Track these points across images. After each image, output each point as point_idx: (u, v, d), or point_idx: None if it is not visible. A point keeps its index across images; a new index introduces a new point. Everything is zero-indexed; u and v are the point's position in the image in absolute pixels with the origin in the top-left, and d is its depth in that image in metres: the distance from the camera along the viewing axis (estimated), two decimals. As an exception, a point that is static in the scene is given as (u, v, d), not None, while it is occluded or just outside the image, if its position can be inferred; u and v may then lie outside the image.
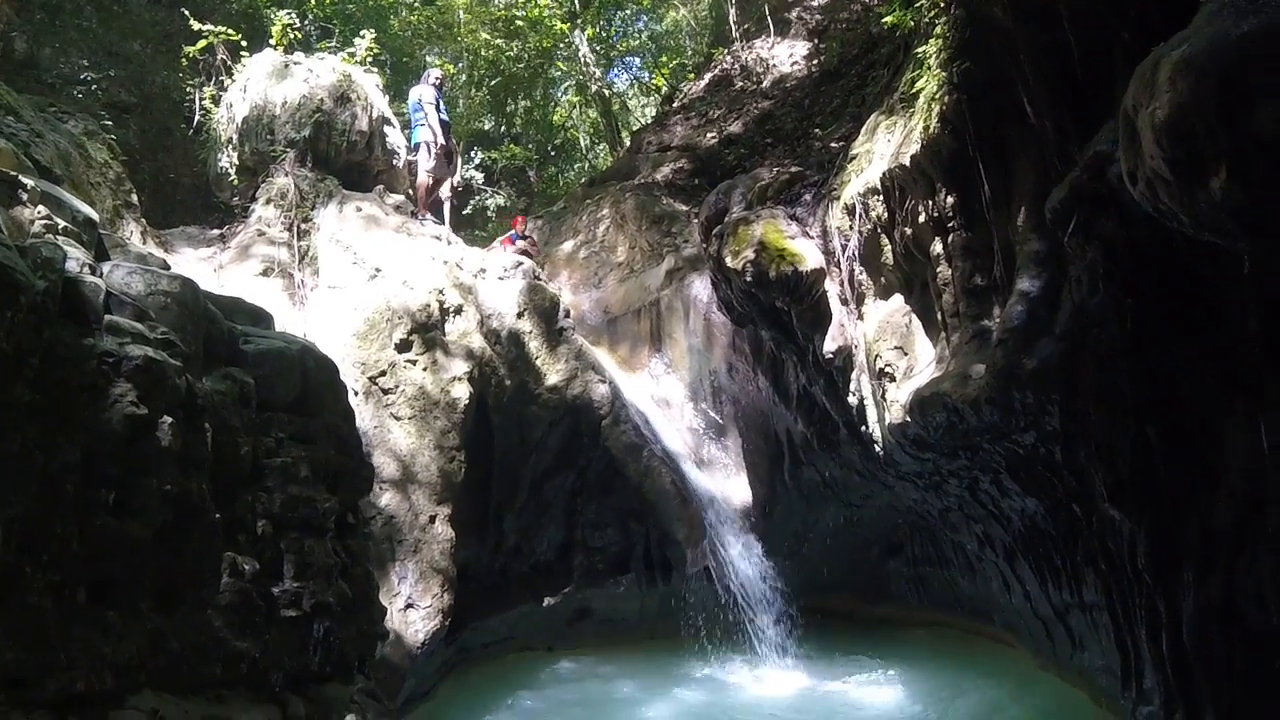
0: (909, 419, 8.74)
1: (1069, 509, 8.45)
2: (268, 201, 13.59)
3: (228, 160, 14.98)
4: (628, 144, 23.87)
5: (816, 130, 16.18)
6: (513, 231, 14.66)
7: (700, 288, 14.34)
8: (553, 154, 30.07)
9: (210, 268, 12.64)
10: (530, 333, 13.10)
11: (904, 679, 11.50)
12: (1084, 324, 7.33)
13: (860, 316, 9.76)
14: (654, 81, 29.47)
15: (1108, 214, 6.83)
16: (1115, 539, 7.95)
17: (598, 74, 27.00)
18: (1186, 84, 4.72)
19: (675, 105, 23.04)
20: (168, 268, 5.68)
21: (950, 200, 8.72)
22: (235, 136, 14.79)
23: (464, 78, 26.28)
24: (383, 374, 11.14)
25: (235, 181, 14.94)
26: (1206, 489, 7.12)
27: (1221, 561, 7.15)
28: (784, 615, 13.21)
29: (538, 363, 13.03)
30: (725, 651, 13.04)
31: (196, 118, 16.59)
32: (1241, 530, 7.00)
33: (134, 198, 12.05)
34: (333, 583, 5.45)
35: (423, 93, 15.12)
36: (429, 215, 14.77)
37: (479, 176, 25.24)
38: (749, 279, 10.20)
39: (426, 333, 11.69)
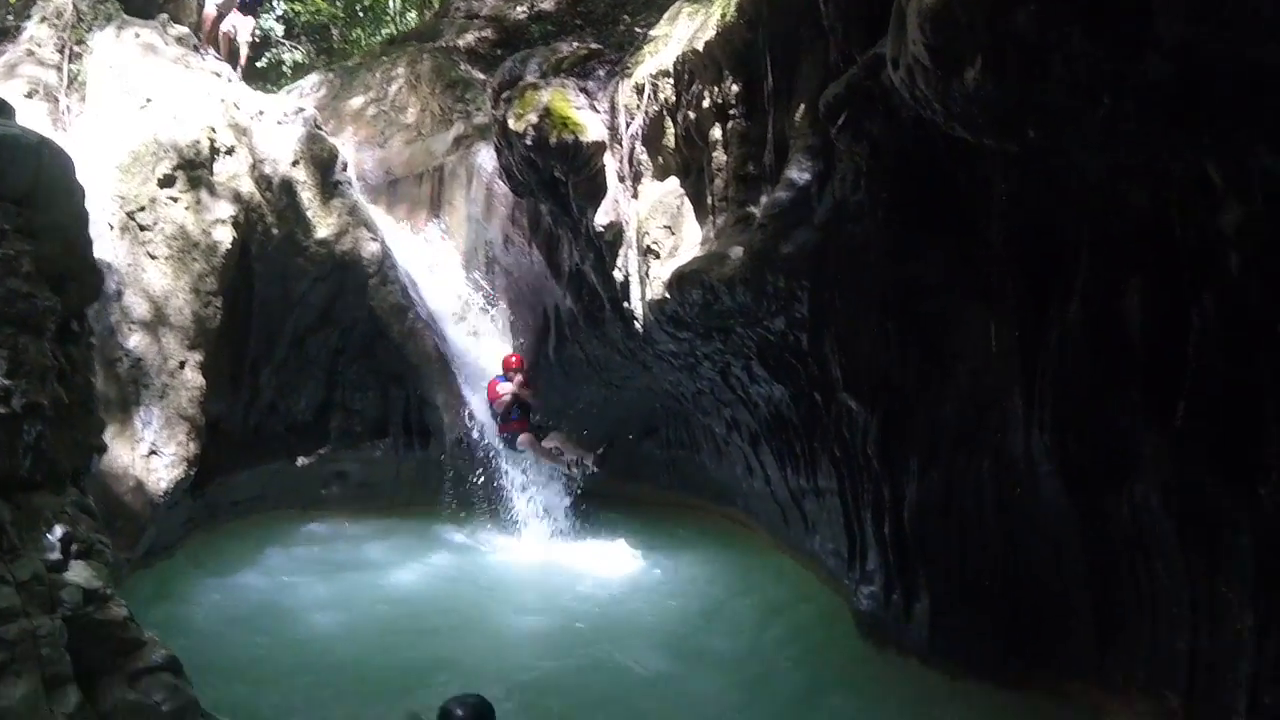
0: (668, 295, 8.90)
1: (811, 397, 8.83)
2: (42, 20, 12.45)
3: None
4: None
5: (626, 17, 16.00)
6: (500, 375, 12.98)
7: (486, 157, 14.07)
8: (360, 14, 28.70)
9: (-29, 86, 11.61)
10: (304, 182, 12.62)
11: (648, 553, 11.98)
12: (841, 217, 7.59)
13: (635, 195, 9.83)
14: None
15: (876, 114, 7.00)
16: (850, 427, 8.36)
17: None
18: (955, -24, 4.84)
19: (491, -24, 22.31)
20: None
21: (735, 89, 8.82)
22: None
23: (272, -79, 24.65)
24: (142, 209, 10.52)
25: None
26: (937, 386, 7.55)
27: (945, 453, 7.63)
28: (539, 489, 13.41)
29: (309, 214, 12.58)
30: (479, 520, 13.14)
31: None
32: (965, 428, 7.48)
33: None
34: (48, 386, 5.16)
35: (217, -80, 14.16)
36: (212, 51, 13.94)
37: (279, 29, 23.85)
38: (529, 143, 10.12)
39: (193, 170, 11.10)
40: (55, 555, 4.53)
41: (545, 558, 12.15)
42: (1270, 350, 5.38)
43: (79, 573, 4.56)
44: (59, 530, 4.76)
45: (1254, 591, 5.75)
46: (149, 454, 9.82)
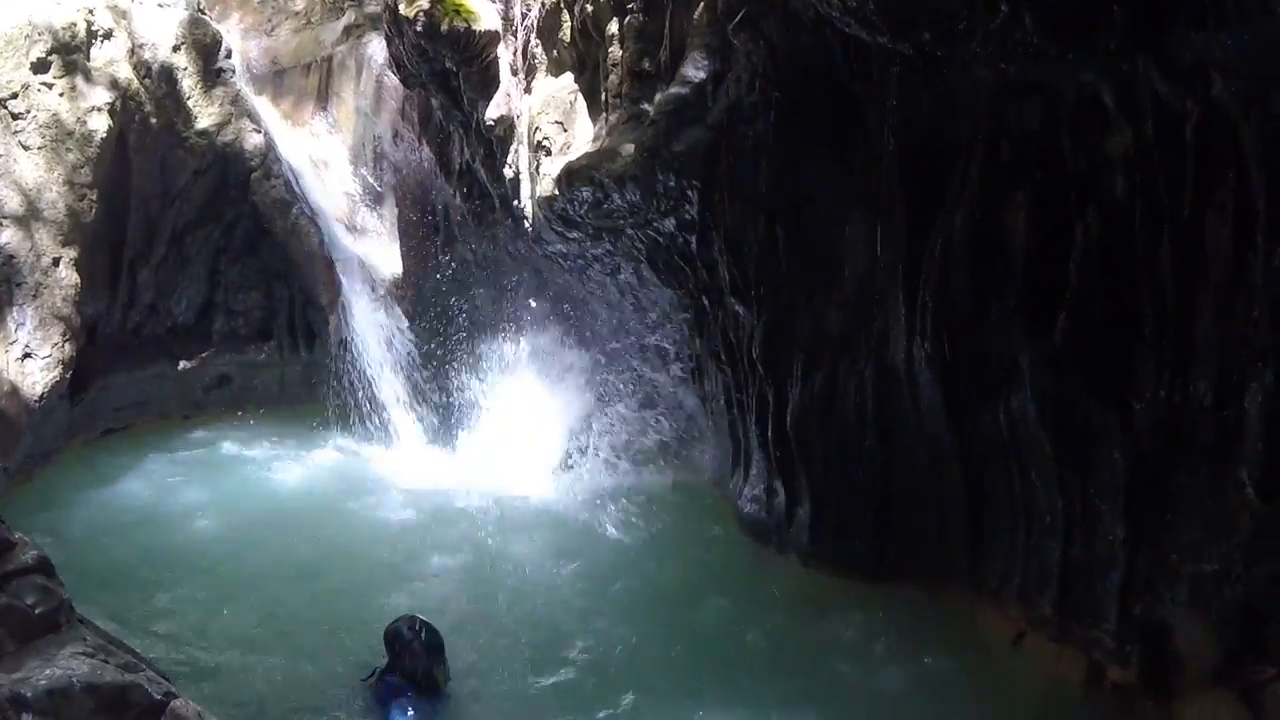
0: (558, 193, 8.72)
1: (699, 301, 8.79)
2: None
3: None
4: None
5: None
6: None
7: (377, 48, 13.56)
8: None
9: None
10: (185, 70, 11.99)
11: (532, 455, 11.82)
12: (734, 119, 7.48)
13: (528, 90, 9.57)
14: None
15: (775, 14, 6.91)
16: (736, 332, 8.36)
17: None
18: None
19: None
20: None
21: (635, -17, 8.59)
22: None
23: None
24: (14, 96, 9.92)
25: None
26: (823, 291, 7.57)
27: (828, 360, 7.69)
28: (424, 392, 13.26)
29: (189, 103, 11.97)
30: (365, 425, 12.94)
31: None
32: (849, 333, 7.53)
33: None
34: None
35: None
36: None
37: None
38: (420, 29, 9.74)
39: (68, 55, 10.46)
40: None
41: (431, 459, 12.06)
42: (1149, 273, 5.47)
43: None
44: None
45: (1125, 505, 5.92)
46: (23, 356, 9.47)
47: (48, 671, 3.69)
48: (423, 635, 5.75)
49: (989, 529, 7.06)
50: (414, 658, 5.65)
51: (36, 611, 3.98)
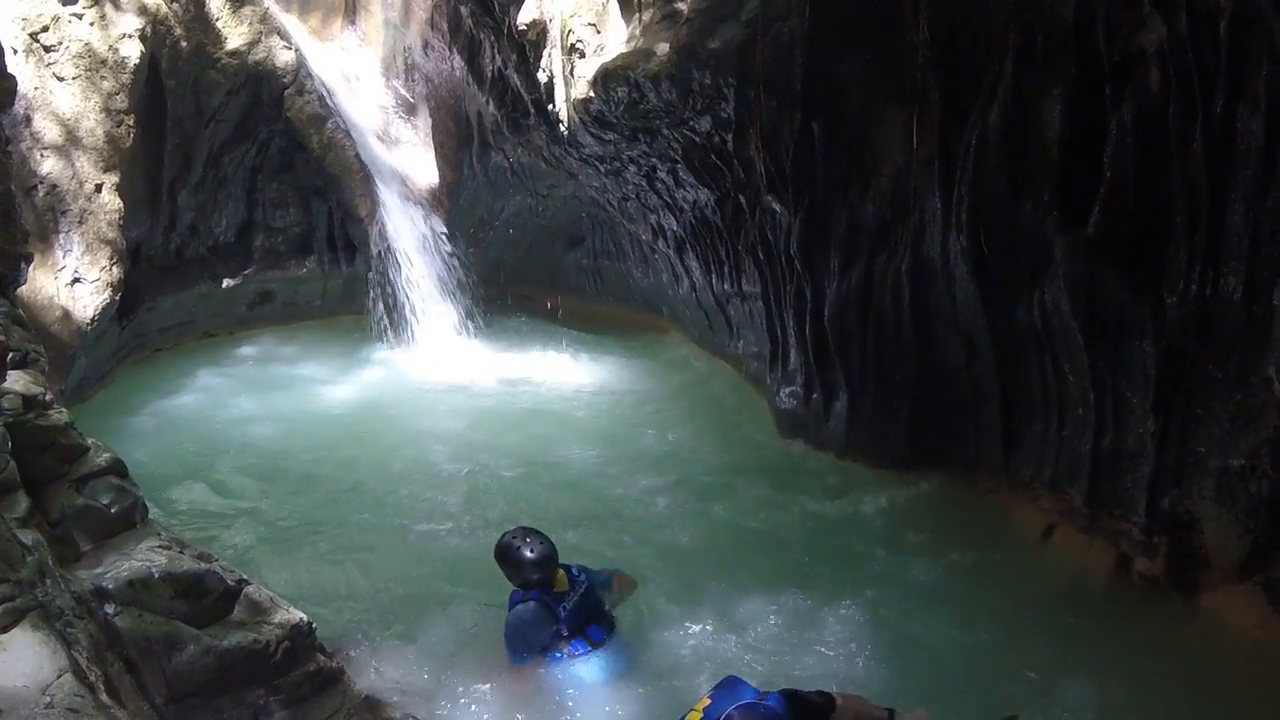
0: (593, 94, 8.72)
1: (735, 200, 8.83)
2: None
3: None
4: None
5: None
6: None
7: (404, -45, 13.57)
8: None
9: None
10: (211, -10, 12.02)
11: (576, 360, 12.22)
12: (769, 15, 7.44)
13: (560, -9, 9.52)
14: None
15: (808, -94, 6.86)
16: (773, 229, 8.42)
17: None
18: None
19: None
20: None
21: (668, -121, 8.47)
22: None
23: None
24: (45, 29, 9.92)
25: None
26: (859, 186, 7.60)
27: (864, 254, 7.75)
28: (466, 300, 13.45)
29: (218, 24, 11.97)
30: (407, 333, 13.20)
31: None
32: (885, 227, 7.57)
33: None
34: (-33, 193, 5.01)
35: None
36: None
37: None
38: (448, -65, 9.73)
39: (95, -16, 10.50)
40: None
41: (475, 368, 12.20)
42: (1182, 167, 5.48)
43: (17, 380, 4.51)
44: (-6, 339, 4.67)
45: (1155, 398, 5.99)
46: (72, 282, 9.62)
47: (127, 565, 3.91)
48: (534, 546, 5.56)
49: (1022, 421, 7.16)
50: (536, 569, 5.50)
51: (113, 510, 4.19)
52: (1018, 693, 5.35)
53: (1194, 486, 5.96)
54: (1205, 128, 5.30)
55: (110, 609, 3.71)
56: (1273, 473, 5.51)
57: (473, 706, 5.22)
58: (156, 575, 3.86)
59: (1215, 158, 5.32)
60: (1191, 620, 5.92)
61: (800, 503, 7.88)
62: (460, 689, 5.33)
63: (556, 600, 5.52)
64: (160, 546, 4.10)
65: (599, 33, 8.96)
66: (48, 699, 2.99)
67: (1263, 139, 5.09)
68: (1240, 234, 5.34)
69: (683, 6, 8.02)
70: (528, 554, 5.49)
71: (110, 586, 3.77)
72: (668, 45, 7.89)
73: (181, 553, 4.11)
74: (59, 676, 3.08)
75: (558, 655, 5.46)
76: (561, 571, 5.67)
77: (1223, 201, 5.38)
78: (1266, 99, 5.02)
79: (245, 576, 4.16)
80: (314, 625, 4.13)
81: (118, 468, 4.40)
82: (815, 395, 8.61)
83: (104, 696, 3.17)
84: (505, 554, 5.58)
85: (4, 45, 6.73)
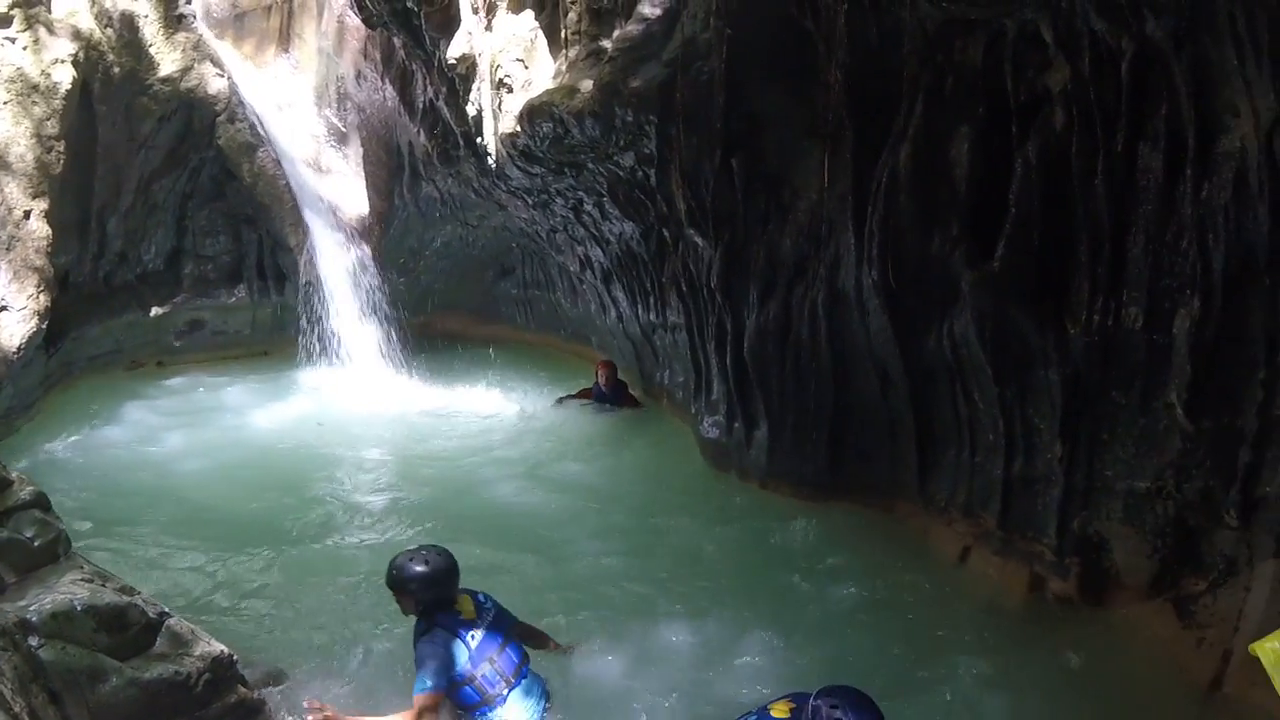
0: (520, 129, 8.86)
1: (659, 233, 9.01)
2: None
3: None
4: None
5: None
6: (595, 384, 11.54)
7: (337, -12, 13.59)
8: None
9: None
10: (146, 17, 11.94)
11: (506, 391, 12.23)
12: (690, 55, 7.64)
13: (490, 28, 9.59)
14: None
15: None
16: (695, 262, 8.60)
17: None
18: None
19: None
20: None
21: (591, -81, 8.64)
22: None
23: None
24: None
25: None
26: (777, 220, 7.79)
27: (782, 287, 7.93)
28: (395, 329, 13.47)
29: (151, 50, 11.97)
30: (335, 363, 13.20)
31: None
32: (802, 260, 7.76)
33: None
34: None
35: None
36: None
37: None
38: (379, -32, 9.82)
39: (30, 7, 10.43)
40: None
41: (401, 397, 12.27)
42: (1085, 203, 5.73)
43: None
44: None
45: (1063, 424, 6.24)
46: (-1, 310, 9.53)
47: (50, 598, 3.95)
48: (429, 558, 5.14)
49: (936, 448, 7.38)
50: (432, 587, 5.08)
51: (36, 544, 4.23)
52: (938, 712, 5.52)
53: (1103, 508, 6.23)
54: (1107, 164, 5.56)
55: (35, 641, 3.76)
56: (1178, 494, 5.76)
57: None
58: (79, 608, 3.91)
59: (1117, 193, 5.59)
60: (1104, 637, 6.11)
61: (723, 531, 8.01)
62: (380, 720, 5.28)
63: (464, 627, 5.10)
64: (83, 579, 4.15)
65: (527, 68, 9.10)
66: (-30, 731, 3.04)
67: (1162, 175, 5.36)
68: (1141, 266, 5.60)
69: (607, 45, 8.18)
70: (418, 568, 5.06)
71: (34, 619, 3.81)
72: (591, 83, 8.05)
73: (104, 585, 4.15)
74: (-18, 708, 3.12)
75: (469, 691, 5.04)
76: (466, 596, 5.28)
77: (1124, 235, 5.65)
78: (1166, 136, 5.29)
79: (167, 609, 4.21)
80: (235, 657, 4.18)
81: (41, 501, 4.43)
82: (737, 425, 8.77)
83: (27, 728, 3.21)
84: (399, 577, 5.13)
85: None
